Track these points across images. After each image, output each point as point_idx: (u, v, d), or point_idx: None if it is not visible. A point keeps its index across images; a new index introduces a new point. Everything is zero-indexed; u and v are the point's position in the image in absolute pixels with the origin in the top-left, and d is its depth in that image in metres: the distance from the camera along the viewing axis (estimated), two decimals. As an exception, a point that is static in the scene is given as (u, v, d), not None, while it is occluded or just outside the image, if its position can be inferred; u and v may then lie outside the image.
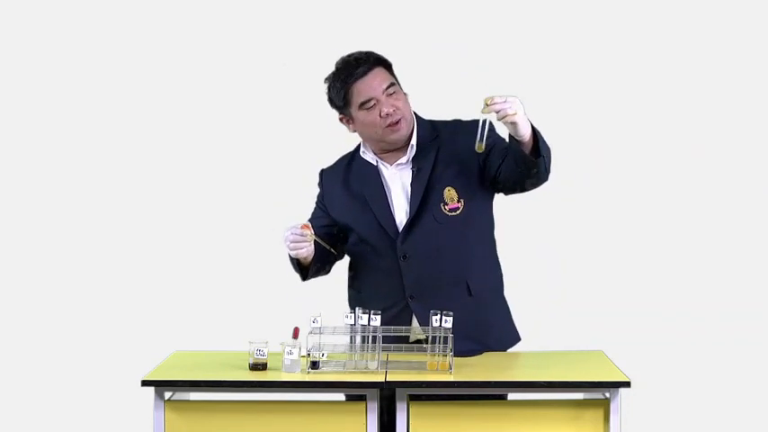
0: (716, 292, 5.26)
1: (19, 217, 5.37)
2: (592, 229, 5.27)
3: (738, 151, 5.30)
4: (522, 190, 3.42)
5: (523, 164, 3.26)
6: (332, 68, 3.49)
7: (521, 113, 3.15)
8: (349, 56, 3.45)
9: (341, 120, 3.51)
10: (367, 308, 3.28)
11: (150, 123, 5.37)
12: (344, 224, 3.54)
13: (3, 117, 5.39)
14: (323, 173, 3.65)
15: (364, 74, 3.40)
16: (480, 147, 3.23)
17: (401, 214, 3.45)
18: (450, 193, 3.43)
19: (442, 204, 3.42)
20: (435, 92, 4.41)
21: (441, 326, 3.17)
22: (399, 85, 3.48)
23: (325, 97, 3.50)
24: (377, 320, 3.19)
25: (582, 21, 5.29)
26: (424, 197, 3.42)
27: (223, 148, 5.36)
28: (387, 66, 3.46)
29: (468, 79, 5.02)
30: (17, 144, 5.39)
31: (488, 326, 3.45)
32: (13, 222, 5.38)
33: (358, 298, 3.53)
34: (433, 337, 3.19)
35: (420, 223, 3.42)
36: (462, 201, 3.43)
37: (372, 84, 3.40)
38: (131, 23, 5.36)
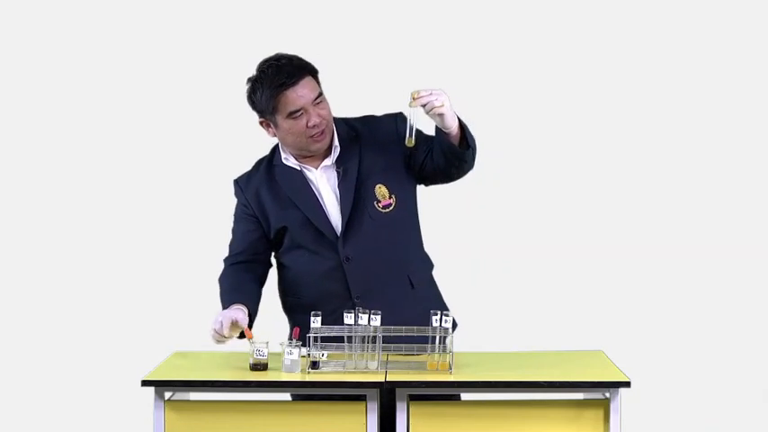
0: (716, 291, 5.26)
1: (19, 217, 5.37)
2: (592, 228, 5.27)
3: (738, 151, 5.29)
4: (449, 180, 3.46)
5: (452, 155, 3.31)
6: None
7: (447, 105, 3.19)
8: (277, 60, 3.39)
9: (261, 123, 3.48)
10: (310, 312, 3.24)
11: (150, 123, 5.37)
12: (279, 228, 3.50)
13: (2, 117, 5.39)
14: (238, 182, 3.59)
15: (295, 83, 3.35)
16: (410, 141, 3.26)
17: (335, 217, 3.44)
18: (381, 191, 3.44)
19: (375, 202, 3.44)
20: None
21: (440, 326, 3.17)
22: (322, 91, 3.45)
23: (246, 98, 3.46)
24: (377, 320, 3.19)
25: (566, 20, 5.30)
26: (356, 197, 3.42)
27: (223, 148, 5.35)
28: (314, 74, 3.43)
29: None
30: (17, 144, 5.38)
31: (427, 318, 3.32)
32: (13, 223, 5.37)
33: (299, 304, 3.49)
34: (432, 337, 3.19)
35: (357, 224, 3.42)
36: (394, 196, 3.45)
37: (303, 93, 3.36)
38: (131, 23, 5.36)
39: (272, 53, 3.45)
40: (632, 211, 5.29)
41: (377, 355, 3.19)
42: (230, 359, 3.35)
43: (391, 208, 3.45)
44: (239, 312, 3.36)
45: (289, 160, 3.50)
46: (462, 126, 3.28)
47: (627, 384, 3.07)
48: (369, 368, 3.20)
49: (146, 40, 5.35)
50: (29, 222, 5.37)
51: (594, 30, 5.28)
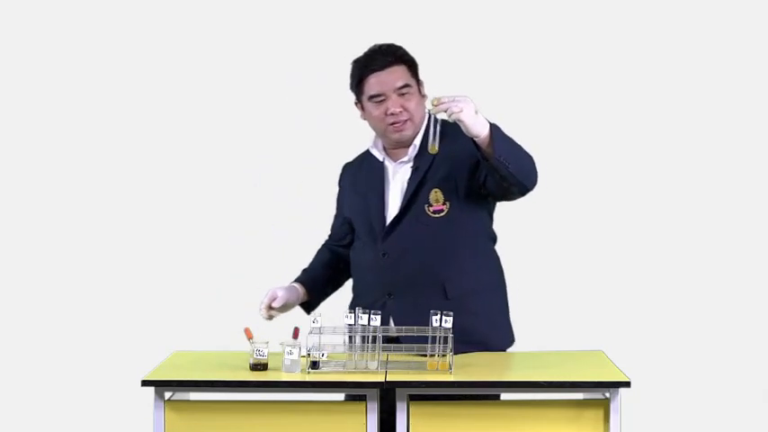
0: (716, 292, 5.26)
1: (18, 218, 5.37)
2: (592, 228, 5.27)
3: (737, 151, 5.30)
4: (506, 197, 3.40)
5: (487, 168, 3.25)
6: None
7: (468, 111, 3.14)
8: (378, 46, 3.47)
9: (355, 104, 3.54)
10: (356, 301, 3.42)
11: (150, 124, 5.37)
12: (348, 219, 3.61)
13: (2, 117, 5.39)
14: (345, 168, 3.70)
15: (381, 68, 3.42)
16: (433, 148, 3.23)
17: (392, 212, 3.47)
18: (435, 195, 3.43)
19: (426, 206, 3.43)
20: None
21: (440, 326, 3.17)
22: (420, 86, 3.48)
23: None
24: (377, 320, 3.19)
25: (574, 22, 5.30)
26: (412, 197, 3.43)
27: (222, 148, 5.36)
28: (410, 64, 3.46)
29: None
30: (16, 144, 5.38)
31: (466, 330, 3.33)
32: (13, 223, 5.38)
33: (354, 292, 3.60)
34: (432, 337, 3.19)
35: (403, 223, 3.44)
36: (448, 203, 3.42)
37: (387, 80, 3.41)
38: (132, 23, 5.36)
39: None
40: (632, 211, 5.29)
41: (377, 355, 3.19)
42: (230, 359, 3.35)
43: (441, 214, 3.42)
44: (283, 291, 3.50)
45: (375, 149, 3.55)
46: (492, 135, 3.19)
47: (627, 384, 3.07)
48: (369, 368, 3.20)
49: (147, 39, 5.36)
50: (29, 223, 5.38)
51: (598, 31, 5.28)
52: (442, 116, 3.19)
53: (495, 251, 3.56)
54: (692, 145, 5.29)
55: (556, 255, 5.23)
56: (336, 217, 3.73)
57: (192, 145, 5.36)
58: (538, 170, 3.32)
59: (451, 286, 3.41)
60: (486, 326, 3.47)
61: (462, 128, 3.18)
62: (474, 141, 3.21)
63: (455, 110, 3.13)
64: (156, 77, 5.35)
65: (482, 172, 3.35)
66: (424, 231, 3.42)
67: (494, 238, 3.56)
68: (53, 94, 5.37)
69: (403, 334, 3.26)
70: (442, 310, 3.20)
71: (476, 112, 3.16)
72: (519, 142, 3.29)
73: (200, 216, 5.35)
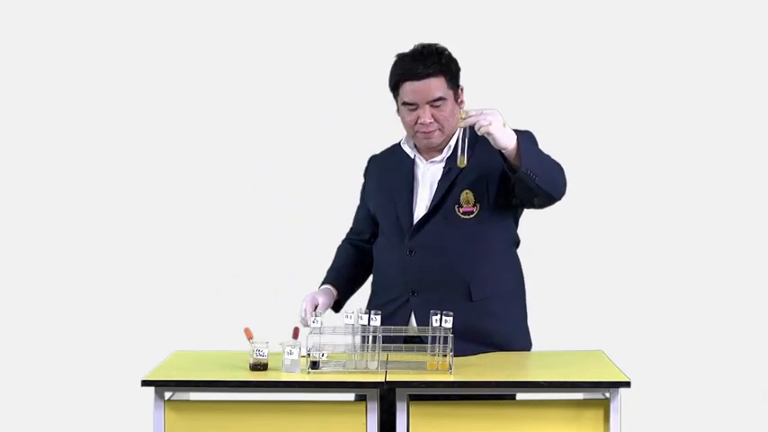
0: (715, 292, 5.26)
1: (18, 218, 5.37)
2: (592, 228, 5.27)
3: (737, 151, 5.30)
4: (533, 206, 3.41)
5: (515, 179, 3.26)
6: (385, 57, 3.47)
7: (496, 125, 3.16)
8: (422, 48, 3.41)
9: (394, 97, 3.50)
10: (375, 298, 3.44)
11: (150, 124, 5.37)
12: (373, 213, 3.60)
13: (2, 117, 5.40)
14: (372, 160, 3.68)
15: (420, 78, 3.37)
16: (462, 160, 3.24)
17: (421, 210, 3.46)
18: (466, 196, 3.42)
19: (456, 206, 3.42)
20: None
21: (441, 326, 3.17)
22: (458, 92, 3.45)
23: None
24: (377, 320, 3.19)
25: (579, 25, 5.30)
26: (443, 196, 3.42)
27: (222, 148, 5.36)
28: (449, 74, 3.42)
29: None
30: (16, 144, 5.38)
31: (488, 333, 3.40)
32: (13, 223, 5.38)
33: (372, 291, 3.60)
34: (432, 336, 3.19)
35: (432, 221, 3.43)
36: (478, 205, 3.42)
37: (422, 90, 3.38)
38: (132, 24, 5.36)
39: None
40: (632, 211, 5.29)
41: (377, 355, 3.19)
42: (230, 359, 3.35)
43: (471, 215, 3.42)
44: (322, 296, 3.49)
45: (406, 145, 3.54)
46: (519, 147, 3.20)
47: (627, 384, 3.07)
48: (369, 368, 3.20)
49: (150, 38, 5.37)
50: (29, 223, 5.38)
51: (601, 33, 5.29)
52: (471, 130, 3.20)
53: (518, 256, 3.56)
54: (692, 145, 5.29)
55: (556, 255, 5.23)
56: (360, 209, 3.71)
57: (192, 145, 5.36)
58: (567, 179, 3.33)
59: (476, 288, 3.40)
60: (508, 330, 3.47)
61: (491, 141, 3.19)
62: (501, 153, 3.22)
63: (483, 123, 3.14)
64: (156, 78, 5.35)
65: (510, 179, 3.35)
66: (452, 231, 3.41)
67: (517, 243, 3.57)
68: (54, 96, 5.37)
69: (409, 334, 3.26)
70: (466, 311, 3.25)
71: (504, 125, 3.18)
72: (547, 152, 3.31)
73: (201, 216, 5.35)
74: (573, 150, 5.24)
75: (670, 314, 5.25)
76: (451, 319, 3.17)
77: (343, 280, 3.61)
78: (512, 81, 5.18)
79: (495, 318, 3.42)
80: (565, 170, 3.34)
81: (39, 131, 5.39)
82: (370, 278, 3.65)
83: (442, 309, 3.20)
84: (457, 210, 3.42)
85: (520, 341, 3.52)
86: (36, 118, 5.38)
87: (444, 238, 3.42)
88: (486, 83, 4.85)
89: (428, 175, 3.49)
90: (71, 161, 5.38)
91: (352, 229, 3.74)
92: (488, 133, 3.16)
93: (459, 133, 3.26)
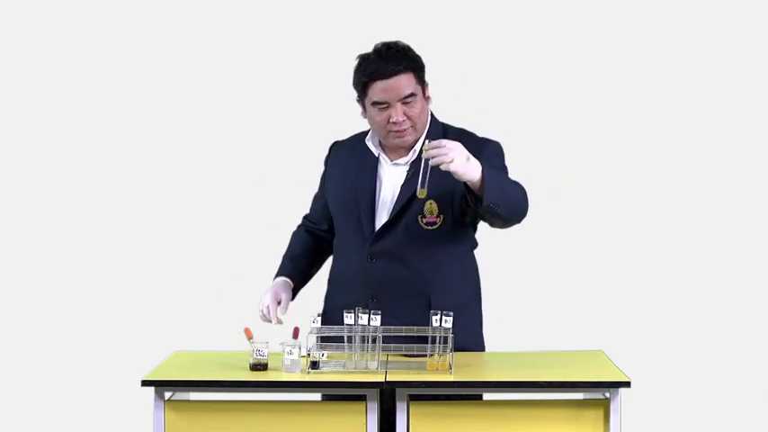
0: (715, 292, 5.26)
1: (18, 218, 5.37)
2: (592, 228, 5.27)
3: (737, 151, 5.29)
4: (495, 226, 3.38)
5: (477, 208, 3.23)
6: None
7: (458, 161, 3.12)
8: (386, 47, 3.36)
9: (357, 100, 3.46)
10: (333, 299, 3.45)
11: (150, 124, 5.37)
12: (331, 206, 3.55)
13: (2, 117, 5.39)
14: (334, 148, 3.63)
15: (389, 76, 3.32)
16: (422, 192, 3.21)
17: (382, 214, 3.43)
18: (430, 207, 3.39)
19: (420, 217, 3.39)
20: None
21: (441, 326, 3.17)
22: (425, 88, 3.41)
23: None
24: (377, 320, 3.19)
25: (574, 25, 5.30)
26: (405, 204, 3.39)
27: (222, 148, 5.36)
28: (417, 70, 3.38)
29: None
30: (16, 144, 5.38)
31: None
32: (13, 223, 5.37)
33: (329, 289, 3.57)
34: (432, 336, 3.19)
35: (394, 230, 3.40)
36: (442, 216, 3.39)
37: (393, 88, 3.33)
38: (131, 24, 5.36)
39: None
40: (632, 211, 5.29)
41: (377, 355, 3.19)
42: (230, 359, 3.35)
43: (434, 226, 3.39)
44: (283, 292, 3.51)
45: (371, 142, 3.48)
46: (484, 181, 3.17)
47: (627, 384, 3.07)
48: (369, 368, 3.20)
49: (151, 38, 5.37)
50: (29, 223, 5.37)
51: (600, 33, 5.29)
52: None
53: (475, 259, 3.55)
54: (691, 145, 5.29)
55: (556, 255, 5.23)
56: (318, 198, 3.65)
57: (192, 145, 5.36)
58: (529, 202, 3.33)
59: (437, 298, 3.38)
60: (465, 337, 3.42)
61: (454, 175, 3.16)
62: (465, 184, 3.20)
63: (445, 160, 3.12)
64: (155, 78, 5.35)
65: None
66: (414, 241, 3.39)
67: (475, 246, 3.55)
68: (52, 96, 5.37)
69: (403, 334, 3.26)
70: (425, 318, 3.22)
71: (467, 159, 3.15)
72: (509, 182, 3.30)
73: (201, 216, 5.34)
74: (573, 150, 5.28)
75: (670, 314, 5.25)
76: (451, 319, 3.17)
77: (299, 271, 3.59)
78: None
79: (453, 326, 3.35)
80: (527, 192, 3.33)
81: (39, 132, 5.38)
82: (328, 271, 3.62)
83: (401, 315, 3.24)
84: (420, 220, 3.39)
85: (474, 346, 3.50)
86: (36, 118, 5.38)
87: (406, 248, 3.39)
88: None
89: (391, 178, 3.44)
90: (71, 161, 5.38)
91: (309, 216, 3.69)
92: (450, 170, 3.13)
93: (421, 163, 3.21)
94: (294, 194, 5.28)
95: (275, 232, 5.19)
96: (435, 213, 3.39)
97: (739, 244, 5.28)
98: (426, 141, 3.20)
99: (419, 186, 3.20)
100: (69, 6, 5.34)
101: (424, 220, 3.39)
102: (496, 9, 5.27)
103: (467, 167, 3.15)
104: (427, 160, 3.18)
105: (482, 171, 3.17)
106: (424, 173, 3.19)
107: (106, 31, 5.35)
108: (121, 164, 5.37)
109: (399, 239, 3.40)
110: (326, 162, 3.64)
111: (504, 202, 3.22)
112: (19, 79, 5.36)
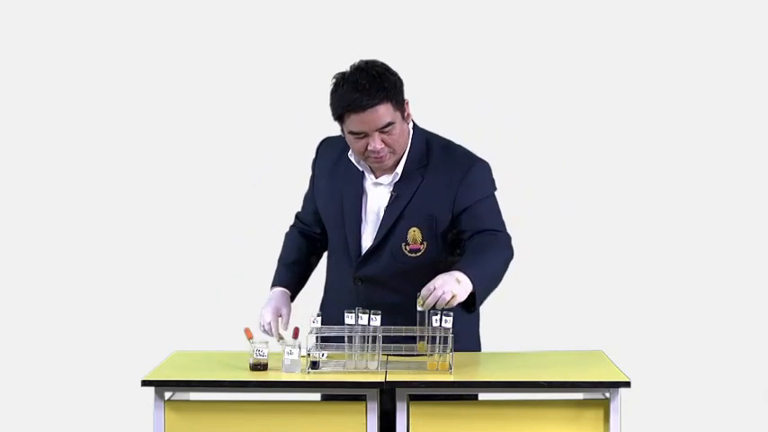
0: (715, 292, 5.26)
1: (18, 218, 5.37)
2: (591, 229, 5.27)
3: (737, 152, 5.30)
4: None
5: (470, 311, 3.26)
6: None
7: (456, 291, 3.11)
8: (362, 72, 3.23)
9: (335, 119, 3.38)
10: (328, 308, 3.41)
11: (150, 124, 5.37)
12: (321, 214, 3.51)
13: (2, 117, 5.40)
14: (324, 144, 3.55)
15: (365, 108, 3.19)
16: (422, 346, 3.19)
17: (368, 236, 3.40)
18: (413, 235, 3.35)
19: (403, 244, 3.35)
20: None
21: (441, 326, 3.17)
22: (404, 109, 3.29)
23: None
24: (377, 320, 3.19)
25: (572, 25, 5.30)
26: (390, 229, 3.35)
27: (222, 147, 5.36)
28: (394, 96, 3.23)
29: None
30: (16, 144, 5.38)
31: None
32: (13, 223, 5.38)
33: (326, 296, 3.56)
34: (432, 336, 3.19)
35: (379, 255, 3.37)
36: (425, 243, 3.36)
37: (370, 120, 3.22)
38: (131, 24, 5.36)
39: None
40: (632, 211, 5.29)
41: (377, 355, 3.19)
42: (230, 359, 3.35)
43: (418, 254, 3.35)
44: (283, 306, 3.47)
45: (353, 158, 3.39)
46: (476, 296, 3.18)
47: (627, 384, 3.07)
48: (369, 368, 3.20)
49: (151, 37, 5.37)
50: (29, 223, 5.38)
51: (599, 33, 5.29)
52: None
53: None
54: (691, 145, 5.29)
55: (556, 255, 5.23)
56: (309, 201, 3.58)
57: (192, 145, 5.36)
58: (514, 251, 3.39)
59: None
60: (460, 342, 3.36)
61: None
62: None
63: (447, 298, 3.11)
64: (155, 78, 5.35)
65: (462, 234, 3.33)
66: (399, 266, 3.36)
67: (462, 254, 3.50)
68: (52, 96, 5.37)
69: (403, 334, 3.26)
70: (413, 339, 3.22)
71: (458, 282, 3.14)
72: (495, 265, 3.30)
73: (201, 216, 5.35)
74: (574, 151, 5.28)
75: (670, 314, 5.25)
76: (451, 319, 3.17)
77: (296, 278, 3.55)
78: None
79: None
80: (511, 246, 3.38)
81: (39, 132, 5.38)
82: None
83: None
84: (404, 247, 3.35)
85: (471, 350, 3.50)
86: (36, 118, 5.38)
87: (391, 273, 3.36)
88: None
89: (375, 198, 3.39)
90: (71, 162, 5.38)
91: (302, 218, 3.64)
92: (457, 303, 3.13)
93: (425, 315, 3.19)
94: (294, 194, 5.28)
95: (275, 232, 5.20)
96: (419, 241, 3.36)
97: (739, 244, 5.28)
98: (418, 296, 3.14)
99: (418, 341, 3.19)
100: (69, 7, 5.33)
101: (408, 248, 3.36)
102: (493, 10, 5.27)
103: (463, 289, 3.15)
104: (424, 314, 3.18)
105: (473, 286, 3.16)
106: (429, 325, 3.18)
107: (105, 32, 5.35)
108: (121, 164, 5.37)
109: (385, 265, 3.37)
110: (314, 165, 3.56)
111: (493, 288, 3.28)
112: (18, 79, 5.36)
